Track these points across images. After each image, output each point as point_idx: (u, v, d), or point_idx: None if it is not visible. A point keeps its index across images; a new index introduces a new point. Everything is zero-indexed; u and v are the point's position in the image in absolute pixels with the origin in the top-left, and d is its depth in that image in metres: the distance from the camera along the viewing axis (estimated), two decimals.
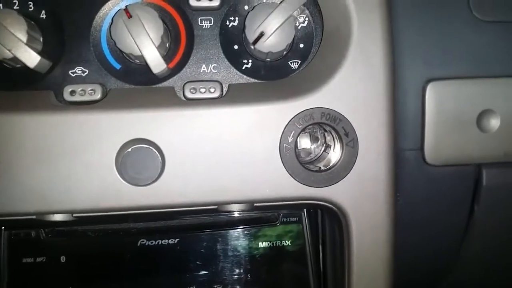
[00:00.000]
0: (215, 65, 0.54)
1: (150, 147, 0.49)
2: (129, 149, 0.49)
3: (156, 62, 0.49)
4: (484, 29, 0.64)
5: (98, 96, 0.51)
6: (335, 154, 0.52)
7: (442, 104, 0.64)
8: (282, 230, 0.59)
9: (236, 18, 0.54)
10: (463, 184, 0.68)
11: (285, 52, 0.54)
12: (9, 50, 0.49)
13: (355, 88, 0.50)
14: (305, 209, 0.60)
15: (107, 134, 0.49)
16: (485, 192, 0.67)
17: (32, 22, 0.51)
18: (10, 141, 0.48)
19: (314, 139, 0.56)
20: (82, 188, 0.49)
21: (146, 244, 0.58)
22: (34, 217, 0.50)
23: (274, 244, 0.59)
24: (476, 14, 0.64)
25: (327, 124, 0.49)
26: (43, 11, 0.53)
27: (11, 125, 0.48)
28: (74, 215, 0.50)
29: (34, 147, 0.49)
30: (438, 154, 0.64)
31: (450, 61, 0.65)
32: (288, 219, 0.59)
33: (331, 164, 0.51)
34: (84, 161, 0.49)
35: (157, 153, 0.49)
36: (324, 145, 0.55)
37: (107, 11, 0.53)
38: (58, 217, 0.51)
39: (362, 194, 0.51)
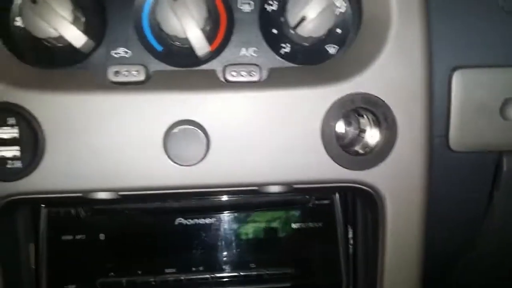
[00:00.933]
0: (255, 48, 0.55)
1: (196, 128, 0.50)
2: (176, 130, 0.50)
3: (200, 44, 0.50)
4: (510, 19, 0.66)
5: (142, 77, 0.52)
6: (372, 138, 0.53)
7: (467, 92, 0.65)
8: (315, 211, 0.61)
9: (275, 2, 0.55)
10: (484, 170, 0.70)
11: (323, 37, 0.55)
12: (55, 29, 0.49)
13: (394, 74, 0.51)
14: (337, 192, 0.61)
15: (154, 114, 0.50)
16: (504, 178, 0.70)
17: (75, 2, 0.51)
18: (58, 120, 0.49)
19: (347, 123, 0.57)
20: (128, 167, 0.50)
21: (184, 222, 0.59)
22: (80, 194, 0.51)
23: (307, 225, 0.61)
24: (503, 4, 0.66)
25: (368, 109, 0.51)
26: None
27: (59, 104, 0.49)
28: (120, 193, 0.51)
29: (82, 126, 0.50)
30: (461, 141, 0.66)
31: (476, 50, 0.66)
32: (320, 201, 0.61)
33: (369, 148, 0.52)
34: (131, 141, 0.50)
35: (202, 134, 0.50)
36: (358, 129, 0.57)
37: None
38: (103, 195, 0.52)
39: (399, 178, 0.52)
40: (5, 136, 0.49)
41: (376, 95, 0.50)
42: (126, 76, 0.52)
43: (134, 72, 0.52)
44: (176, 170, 0.51)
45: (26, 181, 0.50)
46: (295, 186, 0.53)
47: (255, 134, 0.51)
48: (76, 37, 0.50)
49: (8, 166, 0.49)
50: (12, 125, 0.49)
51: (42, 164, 0.49)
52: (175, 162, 0.50)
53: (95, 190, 0.51)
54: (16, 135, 0.49)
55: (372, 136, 0.54)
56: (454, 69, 0.64)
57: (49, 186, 0.50)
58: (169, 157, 0.50)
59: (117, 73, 0.52)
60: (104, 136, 0.50)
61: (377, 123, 0.53)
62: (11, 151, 0.49)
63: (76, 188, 0.51)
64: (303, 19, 0.51)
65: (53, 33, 0.50)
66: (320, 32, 0.52)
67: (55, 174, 0.50)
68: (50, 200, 0.56)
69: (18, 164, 0.49)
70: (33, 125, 0.49)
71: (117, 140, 0.50)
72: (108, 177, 0.51)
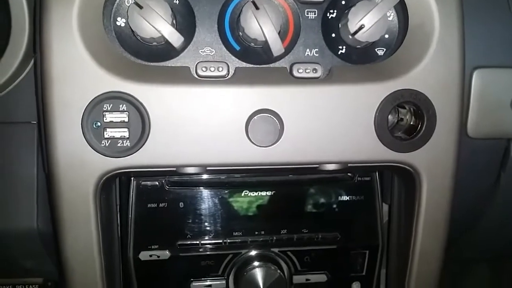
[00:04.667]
0: (317, 49, 0.65)
1: (272, 116, 0.61)
2: (256, 117, 0.61)
3: (278, 47, 0.61)
4: None
5: (224, 72, 0.62)
6: (412, 126, 0.65)
7: (484, 88, 0.77)
8: (358, 186, 0.72)
9: (335, 11, 0.65)
10: (495, 154, 0.82)
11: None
12: (158, 30, 0.59)
13: (436, 73, 0.62)
14: (377, 171, 0.73)
15: (238, 104, 0.60)
16: (511, 162, 0.82)
17: (172, 8, 0.61)
18: (161, 107, 0.59)
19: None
20: (215, 147, 0.61)
21: (249, 194, 0.70)
22: (174, 169, 0.62)
23: (351, 198, 0.73)
24: None
25: (413, 102, 0.62)
26: None
27: (162, 94, 0.59)
28: (208, 168, 0.62)
29: (180, 112, 0.60)
30: (478, 129, 0.78)
31: (492, 52, 0.78)
32: (362, 178, 0.73)
33: (412, 134, 0.64)
34: (219, 125, 0.60)
35: (277, 121, 0.61)
36: (397, 117, 0.68)
37: (230, 1, 0.64)
38: (192, 170, 0.62)
39: (435, 160, 0.64)
40: (115, 119, 0.59)
41: (421, 91, 0.62)
42: (212, 71, 0.62)
43: (219, 68, 0.62)
44: (255, 150, 0.61)
45: (132, 157, 0.60)
46: (350, 164, 0.64)
47: (318, 121, 0.62)
48: (174, 37, 0.60)
49: (118, 144, 0.59)
50: (122, 111, 0.59)
51: (146, 143, 0.59)
52: (254, 144, 0.61)
53: (188, 165, 0.62)
54: (125, 119, 0.59)
55: (412, 123, 0.66)
56: (475, 68, 0.76)
57: (151, 161, 0.60)
58: (249, 139, 0.61)
59: (204, 68, 0.62)
60: (197, 121, 0.60)
61: (418, 113, 0.64)
62: (120, 133, 0.59)
63: (172, 164, 0.61)
64: (361, 27, 0.62)
65: (155, 33, 0.59)
66: (375, 38, 0.62)
67: (156, 152, 0.60)
68: (140, 173, 0.66)
69: (127, 143, 0.59)
70: (141, 111, 0.59)
71: (206, 124, 0.60)
72: (198, 155, 0.61)
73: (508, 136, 0.80)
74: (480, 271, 1.26)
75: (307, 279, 0.74)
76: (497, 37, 0.78)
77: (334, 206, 0.72)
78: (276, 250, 0.73)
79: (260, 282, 0.69)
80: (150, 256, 0.70)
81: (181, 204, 0.69)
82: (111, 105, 0.58)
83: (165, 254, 0.70)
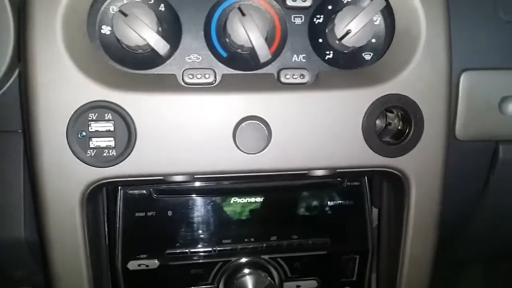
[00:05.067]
0: (304, 55, 0.65)
1: (260, 123, 0.60)
2: (243, 124, 0.60)
3: (265, 53, 0.60)
4: (507, 28, 0.78)
5: (211, 79, 0.62)
6: (400, 130, 0.65)
7: (472, 90, 0.77)
8: (347, 191, 0.72)
9: (321, 16, 0.65)
10: (483, 157, 0.82)
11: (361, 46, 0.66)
12: (143, 38, 0.59)
13: (423, 78, 0.62)
14: (366, 176, 0.73)
15: (226, 110, 0.60)
16: (500, 164, 0.82)
17: (158, 15, 0.61)
18: (147, 115, 0.59)
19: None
20: (203, 155, 0.60)
21: (238, 201, 0.70)
22: (161, 177, 0.61)
23: (341, 203, 0.72)
24: (501, 15, 0.78)
25: (401, 107, 0.62)
26: (162, 4, 0.62)
27: (148, 102, 0.59)
28: (196, 176, 0.61)
29: (166, 120, 0.59)
30: (466, 132, 0.78)
31: (479, 54, 0.78)
32: (352, 183, 0.72)
33: (399, 139, 0.64)
34: (206, 133, 0.60)
35: (265, 127, 0.61)
36: (385, 122, 0.68)
37: (216, 7, 0.63)
38: (180, 178, 0.62)
39: (423, 164, 0.64)
40: (101, 129, 0.58)
41: (408, 95, 0.62)
42: (199, 78, 0.61)
43: (205, 75, 0.61)
44: (243, 157, 0.61)
45: (119, 167, 0.59)
46: (338, 170, 0.64)
47: (306, 127, 0.62)
48: (160, 45, 0.59)
49: (104, 154, 0.59)
50: (108, 120, 0.58)
51: (133, 153, 0.59)
52: (242, 151, 0.61)
53: (175, 174, 0.61)
54: (111, 128, 0.58)
55: (400, 128, 0.65)
56: (462, 71, 0.76)
57: (137, 171, 0.60)
58: (237, 146, 0.60)
59: (191, 75, 0.61)
60: (184, 128, 0.60)
61: (405, 118, 0.64)
62: (105, 142, 0.59)
63: (159, 172, 0.61)
64: (348, 32, 0.62)
65: (140, 41, 0.59)
66: (361, 43, 0.62)
67: (143, 161, 0.59)
68: (127, 182, 0.66)
69: (113, 152, 0.59)
70: (127, 120, 0.58)
71: (194, 132, 0.60)
72: (186, 163, 0.61)
73: (496, 138, 0.80)
74: (471, 273, 1.27)
75: (297, 286, 0.74)
76: (484, 39, 0.78)
77: (324, 211, 0.72)
78: (266, 257, 0.72)
79: None
80: (139, 265, 0.69)
81: (170, 213, 0.69)
82: (96, 114, 0.57)
83: (154, 263, 0.70)
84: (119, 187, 0.68)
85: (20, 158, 0.71)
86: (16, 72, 0.69)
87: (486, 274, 1.26)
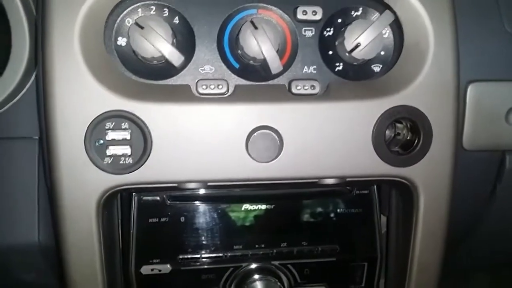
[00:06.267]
0: (314, 66, 0.67)
1: (272, 132, 0.62)
2: (255, 134, 0.62)
3: (276, 64, 0.62)
4: None
5: (224, 89, 0.63)
6: (409, 141, 0.66)
7: (479, 101, 0.79)
8: (357, 199, 0.74)
9: (332, 29, 0.67)
10: (490, 166, 0.83)
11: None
12: (159, 50, 0.60)
13: (431, 89, 0.63)
14: (375, 184, 0.74)
15: (238, 120, 0.62)
16: (507, 173, 0.83)
17: (172, 28, 0.63)
18: (163, 124, 0.60)
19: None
20: (216, 163, 0.62)
21: (249, 208, 0.72)
22: (176, 185, 0.63)
23: (350, 211, 0.74)
24: (507, 28, 0.79)
25: (409, 118, 0.63)
26: (176, 17, 0.64)
27: (164, 112, 0.60)
28: (209, 184, 0.63)
29: (181, 129, 0.61)
30: (473, 142, 0.79)
31: (486, 66, 0.79)
32: (361, 191, 0.74)
33: (409, 149, 0.65)
34: (219, 142, 0.62)
35: (277, 137, 0.62)
36: (394, 132, 0.70)
37: (229, 20, 0.65)
38: (193, 185, 0.63)
39: (432, 174, 0.65)
40: (117, 137, 0.60)
41: (417, 107, 0.63)
42: (212, 88, 0.63)
43: (219, 86, 0.63)
44: (255, 166, 0.62)
45: (135, 174, 0.61)
46: (348, 179, 0.66)
47: (317, 137, 0.63)
48: (174, 56, 0.61)
49: (121, 162, 0.60)
50: (124, 129, 0.60)
51: (148, 160, 0.61)
52: (254, 160, 0.62)
53: (189, 181, 0.63)
54: (127, 136, 0.60)
55: (408, 138, 0.67)
56: (469, 82, 0.77)
57: (152, 178, 0.61)
58: (250, 155, 0.62)
59: (205, 86, 0.63)
60: (198, 137, 0.61)
61: (414, 129, 0.66)
62: (122, 150, 0.60)
63: (173, 180, 0.62)
64: (357, 45, 0.63)
65: (156, 53, 0.61)
66: (371, 55, 0.64)
67: (158, 169, 0.61)
68: (142, 189, 0.68)
69: (129, 160, 0.60)
70: (143, 129, 0.60)
71: (207, 141, 0.62)
72: (199, 171, 0.62)
73: (503, 148, 0.81)
74: (477, 281, 1.27)
75: None
76: (491, 51, 0.79)
77: (333, 219, 0.74)
78: (276, 263, 0.74)
79: None
80: (152, 270, 0.71)
81: (182, 219, 0.70)
82: (113, 123, 0.59)
83: (167, 268, 0.71)
84: (133, 194, 0.69)
85: (34, 164, 0.73)
86: (30, 81, 0.71)
87: (492, 281, 1.27)
